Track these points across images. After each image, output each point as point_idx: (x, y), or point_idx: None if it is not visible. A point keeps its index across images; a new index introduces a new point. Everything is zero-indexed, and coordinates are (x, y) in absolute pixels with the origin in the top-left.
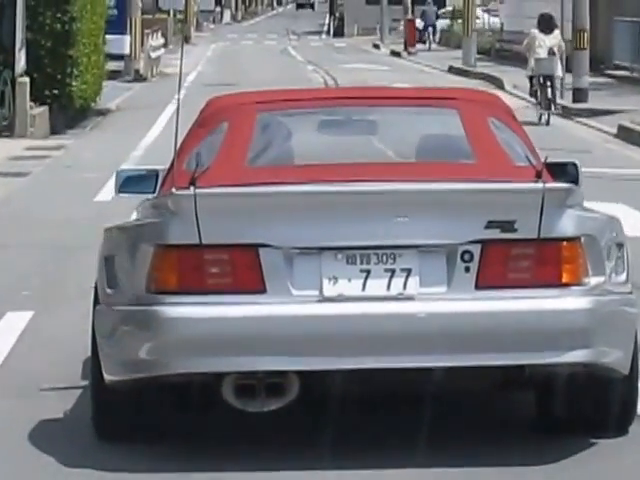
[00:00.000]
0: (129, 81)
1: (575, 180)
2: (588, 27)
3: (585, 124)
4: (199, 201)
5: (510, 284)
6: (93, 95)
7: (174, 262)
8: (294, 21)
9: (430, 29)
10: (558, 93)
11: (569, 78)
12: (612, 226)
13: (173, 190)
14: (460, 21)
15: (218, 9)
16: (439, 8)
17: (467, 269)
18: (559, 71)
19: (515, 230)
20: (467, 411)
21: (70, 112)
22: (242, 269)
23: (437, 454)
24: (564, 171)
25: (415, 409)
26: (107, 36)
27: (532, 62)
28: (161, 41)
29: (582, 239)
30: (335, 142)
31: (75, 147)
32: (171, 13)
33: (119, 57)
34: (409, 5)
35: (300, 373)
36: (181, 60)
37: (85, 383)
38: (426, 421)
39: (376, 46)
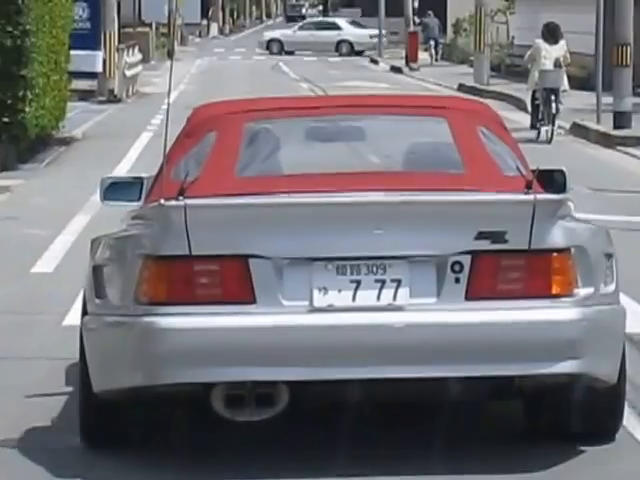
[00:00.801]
0: (102, 102)
1: (562, 188)
2: (632, 40)
3: (629, 154)
4: (189, 212)
5: (500, 295)
6: (54, 122)
7: (164, 273)
8: None
9: (432, 42)
10: (562, 108)
11: (589, 98)
12: (601, 237)
13: (162, 201)
14: (465, 34)
15: (204, 22)
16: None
17: (457, 280)
18: (565, 84)
19: (505, 241)
20: (455, 420)
21: (24, 143)
22: (232, 280)
23: (427, 462)
24: (552, 179)
25: (405, 418)
26: (78, 52)
27: (536, 74)
28: (138, 57)
29: (572, 250)
30: (324, 151)
31: (24, 190)
32: (153, 26)
33: (92, 75)
34: (411, 17)
35: (290, 383)
36: (171, 73)
37: (70, 389)
38: (415, 430)
39: (374, 61)
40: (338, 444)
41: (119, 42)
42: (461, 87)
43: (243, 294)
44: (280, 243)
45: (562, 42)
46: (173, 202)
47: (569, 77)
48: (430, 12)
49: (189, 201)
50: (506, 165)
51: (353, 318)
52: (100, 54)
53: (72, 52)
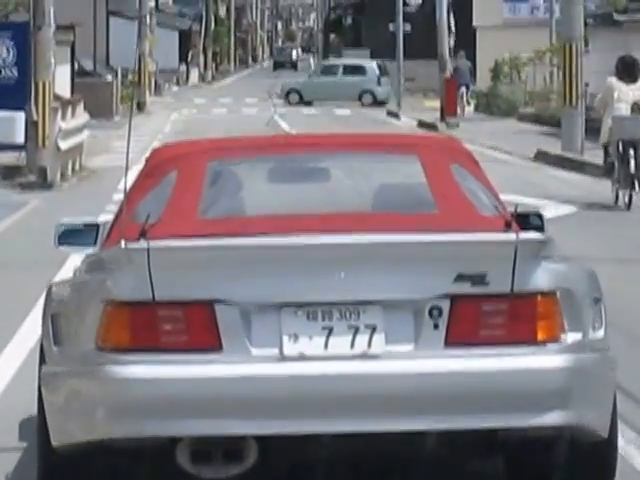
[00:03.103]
0: (27, 187)
1: (540, 232)
2: None
3: None
4: (152, 255)
5: (482, 342)
6: None
7: (125, 319)
8: (275, 81)
9: (463, 89)
10: None
11: None
12: (588, 279)
13: (123, 243)
14: (505, 80)
15: (183, 67)
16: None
17: (436, 326)
18: None
19: (486, 284)
20: (434, 474)
21: None
22: (197, 326)
23: None
24: (528, 223)
25: (382, 474)
26: None
27: (609, 122)
28: (82, 120)
29: (558, 293)
30: (291, 191)
31: None
32: (119, 74)
33: (17, 147)
34: (447, 59)
35: (259, 438)
36: (128, 144)
37: (24, 445)
38: None
39: (392, 114)
40: None
41: (72, 94)
42: (541, 156)
43: (209, 342)
44: (247, 288)
45: None
46: (135, 244)
47: None
48: (462, 52)
49: (152, 243)
50: (481, 204)
51: (326, 367)
52: (21, 116)
53: None
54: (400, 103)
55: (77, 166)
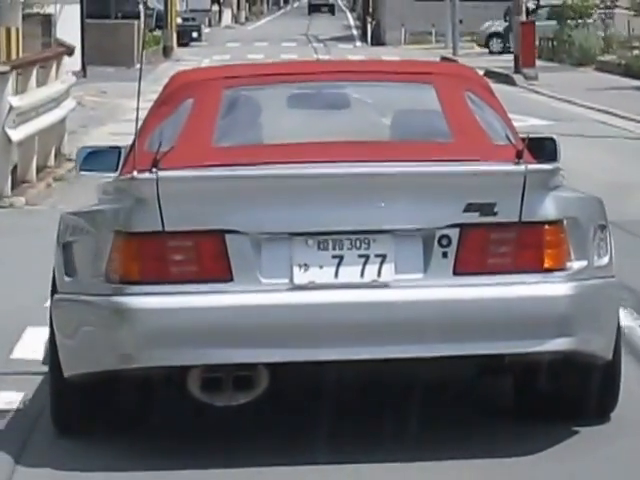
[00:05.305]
0: None
1: (553, 156)
2: None
3: None
4: (161, 185)
5: (490, 270)
6: None
7: (136, 250)
8: (311, 23)
9: None
10: None
11: None
12: (594, 207)
13: (134, 173)
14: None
15: (216, 8)
16: None
17: (445, 254)
18: None
19: (495, 213)
20: (446, 399)
21: None
22: (208, 257)
23: (413, 446)
24: (542, 147)
25: (390, 399)
26: None
27: None
28: (59, 87)
29: (565, 222)
30: (306, 119)
31: None
32: (142, 13)
33: None
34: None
35: (270, 365)
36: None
37: (46, 369)
38: (402, 412)
39: (450, 61)
40: (321, 429)
41: (82, 36)
42: None
43: (219, 272)
44: (258, 217)
45: None
46: (145, 175)
47: None
48: None
49: (162, 174)
50: (495, 133)
51: (336, 296)
52: None
53: None
54: (455, 49)
55: (50, 160)
